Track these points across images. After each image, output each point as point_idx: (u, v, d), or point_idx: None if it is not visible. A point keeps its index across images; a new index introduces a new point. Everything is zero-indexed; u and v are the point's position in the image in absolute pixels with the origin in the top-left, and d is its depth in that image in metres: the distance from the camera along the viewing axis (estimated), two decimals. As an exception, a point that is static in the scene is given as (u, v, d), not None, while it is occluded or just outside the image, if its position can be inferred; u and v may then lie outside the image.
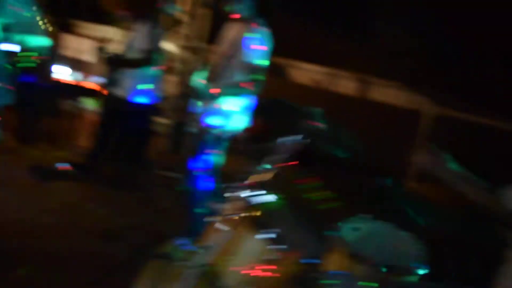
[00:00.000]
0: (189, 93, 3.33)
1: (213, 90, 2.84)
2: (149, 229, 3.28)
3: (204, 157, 2.93)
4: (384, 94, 9.58)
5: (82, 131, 5.88)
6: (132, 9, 3.94)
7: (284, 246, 1.65)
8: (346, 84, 9.82)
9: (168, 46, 6.27)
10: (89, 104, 6.44)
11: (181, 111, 6.18)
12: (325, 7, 9.98)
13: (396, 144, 8.36)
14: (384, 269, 1.57)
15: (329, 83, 9.90)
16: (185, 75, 6.17)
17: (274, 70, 11.00)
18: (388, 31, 9.72)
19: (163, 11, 6.00)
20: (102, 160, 4.11)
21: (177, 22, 6.24)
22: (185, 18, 6.15)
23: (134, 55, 3.82)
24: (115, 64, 3.83)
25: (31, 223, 3.08)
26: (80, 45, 12.34)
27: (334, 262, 1.67)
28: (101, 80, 9.82)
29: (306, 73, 10.31)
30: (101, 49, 4.02)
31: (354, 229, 1.75)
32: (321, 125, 1.75)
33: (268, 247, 1.67)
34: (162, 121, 6.09)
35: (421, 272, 1.62)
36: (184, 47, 6.10)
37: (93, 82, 9.59)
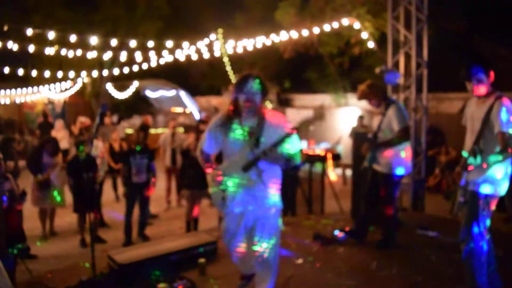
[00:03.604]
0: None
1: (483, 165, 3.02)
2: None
3: (477, 223, 3.12)
4: None
5: (327, 194, 6.72)
6: (372, 99, 4.50)
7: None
8: None
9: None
10: (320, 168, 7.31)
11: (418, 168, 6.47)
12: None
13: None
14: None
15: None
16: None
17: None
18: None
19: (388, 84, 6.54)
20: (367, 225, 4.70)
21: (396, 88, 6.67)
22: (401, 81, 6.50)
23: (386, 135, 4.35)
24: (374, 145, 4.42)
25: (336, 285, 3.72)
26: (298, 116, 13.88)
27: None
28: (326, 146, 10.81)
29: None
30: (356, 133, 4.70)
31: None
32: None
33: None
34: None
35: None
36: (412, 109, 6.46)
37: (319, 149, 10.70)
